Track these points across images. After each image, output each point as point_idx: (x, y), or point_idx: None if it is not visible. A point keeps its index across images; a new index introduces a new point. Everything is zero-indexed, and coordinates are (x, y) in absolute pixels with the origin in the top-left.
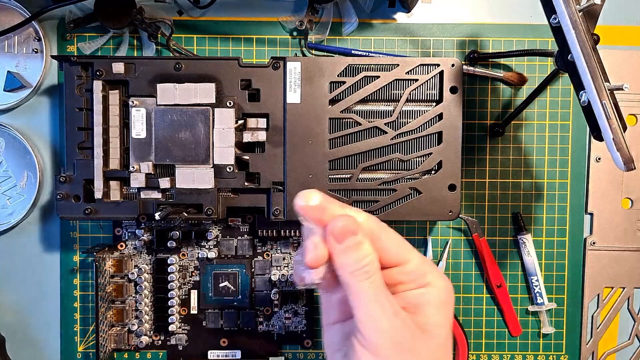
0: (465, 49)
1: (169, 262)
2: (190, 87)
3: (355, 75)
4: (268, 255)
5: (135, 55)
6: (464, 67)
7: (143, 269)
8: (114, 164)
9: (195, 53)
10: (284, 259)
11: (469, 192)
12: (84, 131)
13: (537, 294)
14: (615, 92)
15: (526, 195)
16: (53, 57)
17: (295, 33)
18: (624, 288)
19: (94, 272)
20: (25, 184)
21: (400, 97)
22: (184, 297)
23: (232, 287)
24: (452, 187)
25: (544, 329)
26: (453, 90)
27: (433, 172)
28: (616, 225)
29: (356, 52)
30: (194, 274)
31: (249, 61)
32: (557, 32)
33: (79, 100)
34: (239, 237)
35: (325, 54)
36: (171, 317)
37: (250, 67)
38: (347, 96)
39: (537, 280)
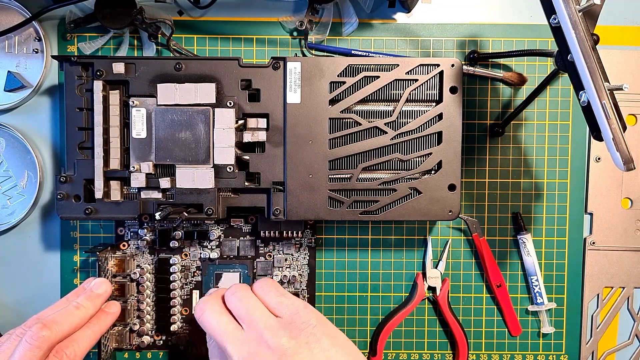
0: (465, 49)
1: (171, 262)
2: (191, 87)
3: (355, 76)
4: (270, 256)
5: (136, 55)
6: (464, 67)
7: (145, 269)
8: (115, 163)
9: (195, 53)
10: (286, 260)
11: (469, 192)
12: (84, 131)
13: (537, 294)
14: (615, 92)
15: (526, 195)
16: (53, 57)
17: (295, 33)
18: (623, 288)
19: (96, 272)
20: (25, 183)
21: (400, 97)
22: (185, 297)
23: None
24: (452, 187)
25: (543, 328)
26: (453, 90)
27: (433, 172)
28: (616, 225)
29: (356, 52)
30: (195, 274)
31: (249, 61)
32: (557, 32)
33: (79, 100)
34: (241, 238)
35: (325, 54)
36: (173, 317)
37: (251, 67)
38: (347, 96)
39: (537, 280)
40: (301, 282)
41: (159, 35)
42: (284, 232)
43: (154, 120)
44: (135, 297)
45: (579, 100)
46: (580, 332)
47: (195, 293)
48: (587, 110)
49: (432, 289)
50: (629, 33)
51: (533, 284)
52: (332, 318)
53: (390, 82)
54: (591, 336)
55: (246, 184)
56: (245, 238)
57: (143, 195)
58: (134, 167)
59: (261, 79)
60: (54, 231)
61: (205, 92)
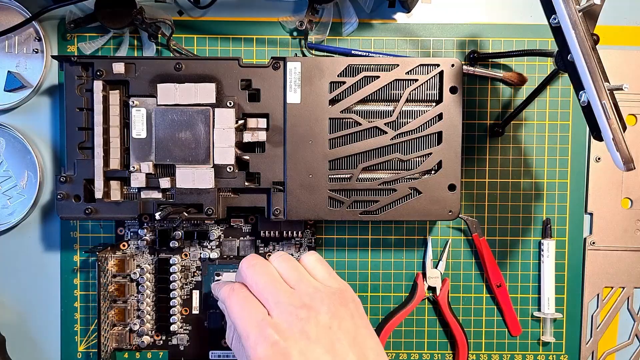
0: (465, 49)
1: (171, 262)
2: (191, 87)
3: (355, 75)
4: (270, 256)
5: (136, 55)
6: (464, 67)
7: (145, 269)
8: (115, 163)
9: (195, 53)
10: None
11: (469, 192)
12: (85, 131)
13: (547, 301)
14: (615, 92)
15: (526, 195)
16: (53, 57)
17: (295, 33)
18: (623, 288)
19: (95, 272)
20: (25, 183)
21: (400, 97)
22: (185, 297)
23: None
24: (452, 187)
25: (544, 337)
26: (453, 90)
27: (433, 172)
28: (616, 225)
29: (356, 52)
30: (195, 274)
31: (249, 61)
32: (557, 32)
33: (79, 100)
34: (241, 238)
35: (325, 54)
36: (173, 317)
37: (251, 67)
38: (347, 96)
39: (549, 288)
40: None
41: (159, 35)
42: (284, 232)
43: (154, 120)
44: (135, 297)
45: (579, 100)
46: (580, 332)
47: (195, 293)
48: (587, 110)
49: (432, 289)
50: (629, 33)
51: (546, 290)
52: None
53: (390, 82)
54: (591, 336)
55: (246, 184)
56: (245, 238)
57: (143, 195)
58: (134, 167)
59: (261, 79)
60: (54, 231)
61: (205, 92)
